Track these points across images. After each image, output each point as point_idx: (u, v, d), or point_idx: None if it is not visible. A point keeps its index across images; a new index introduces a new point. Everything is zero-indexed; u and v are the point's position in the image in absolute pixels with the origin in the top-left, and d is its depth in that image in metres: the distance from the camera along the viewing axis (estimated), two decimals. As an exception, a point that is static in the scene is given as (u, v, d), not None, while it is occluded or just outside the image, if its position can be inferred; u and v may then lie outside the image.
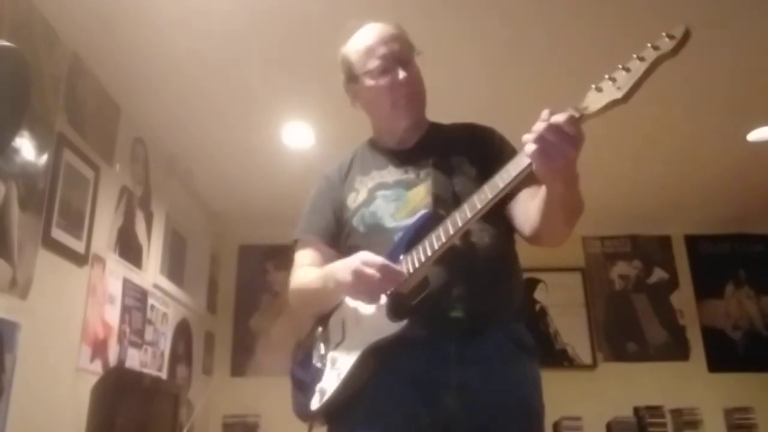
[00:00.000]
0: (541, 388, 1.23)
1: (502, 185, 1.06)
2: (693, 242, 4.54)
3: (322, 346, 1.29)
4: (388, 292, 1.15)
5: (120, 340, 2.71)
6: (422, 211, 1.21)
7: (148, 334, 3.04)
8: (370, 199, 1.32)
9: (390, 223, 1.26)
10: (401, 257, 1.16)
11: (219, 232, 4.32)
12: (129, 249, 2.86)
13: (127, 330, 2.79)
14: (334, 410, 1.20)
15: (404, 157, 1.36)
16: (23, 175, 2.03)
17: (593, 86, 0.99)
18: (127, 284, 2.80)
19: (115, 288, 2.70)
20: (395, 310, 1.14)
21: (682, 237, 4.55)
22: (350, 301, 1.25)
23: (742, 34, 2.45)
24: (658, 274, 4.50)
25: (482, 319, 1.18)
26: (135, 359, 2.86)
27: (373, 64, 1.34)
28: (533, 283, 4.44)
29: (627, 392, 4.06)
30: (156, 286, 3.17)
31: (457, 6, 2.29)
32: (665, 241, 4.56)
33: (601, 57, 2.34)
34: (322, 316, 1.33)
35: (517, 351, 1.21)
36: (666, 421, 3.97)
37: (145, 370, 2.96)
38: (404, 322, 1.11)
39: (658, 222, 4.44)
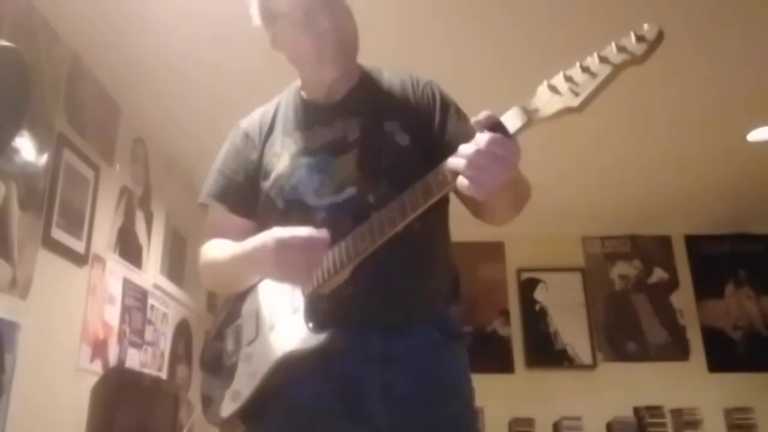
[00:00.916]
0: (469, 374, 1.15)
1: (436, 192, 0.96)
2: (693, 242, 4.54)
3: (233, 342, 1.16)
4: (308, 292, 1.06)
5: (120, 340, 2.71)
6: (345, 196, 1.10)
7: (148, 334, 3.04)
8: (292, 167, 1.16)
9: (313, 201, 1.13)
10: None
11: (219, 232, 4.31)
12: (129, 249, 2.86)
13: (127, 330, 2.79)
14: (250, 414, 1.09)
15: (332, 112, 1.20)
16: (23, 175, 2.03)
17: (546, 83, 0.87)
18: (127, 284, 2.80)
19: (115, 288, 2.70)
20: (315, 315, 1.04)
21: (682, 237, 4.55)
22: (265, 290, 1.14)
23: (744, 34, 2.44)
24: (658, 274, 4.49)
25: (409, 314, 1.10)
26: (135, 359, 2.86)
27: (294, 8, 1.17)
28: (533, 283, 4.44)
29: (627, 392, 4.06)
30: (156, 286, 3.17)
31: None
32: (665, 241, 4.56)
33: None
34: (234, 302, 1.21)
35: (443, 340, 1.12)
36: (666, 421, 3.97)
37: (145, 370, 2.96)
38: (324, 335, 1.01)
39: (658, 222, 4.44)
